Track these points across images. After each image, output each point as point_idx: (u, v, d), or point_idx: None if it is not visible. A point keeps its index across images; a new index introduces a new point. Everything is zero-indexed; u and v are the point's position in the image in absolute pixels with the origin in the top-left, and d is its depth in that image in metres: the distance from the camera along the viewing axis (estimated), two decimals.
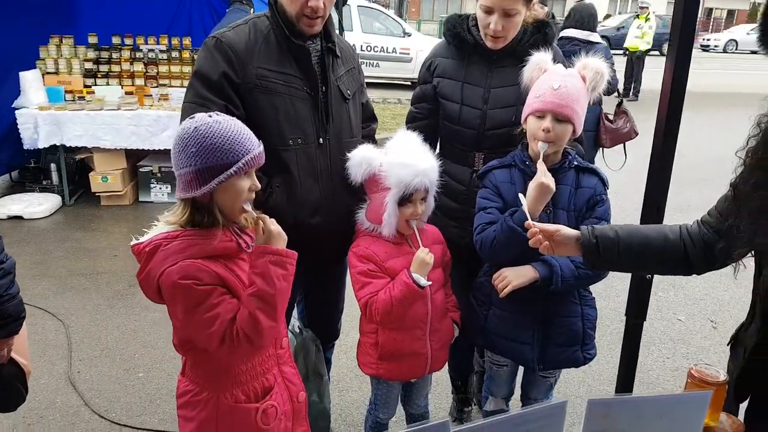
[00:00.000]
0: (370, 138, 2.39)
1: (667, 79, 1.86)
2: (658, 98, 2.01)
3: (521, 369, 2.30)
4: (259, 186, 1.59)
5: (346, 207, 2.13)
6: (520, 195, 1.82)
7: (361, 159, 2.00)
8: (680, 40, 1.80)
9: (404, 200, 1.98)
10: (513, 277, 1.96)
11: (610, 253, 1.56)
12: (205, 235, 1.52)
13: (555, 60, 2.10)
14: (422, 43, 12.65)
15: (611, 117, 4.76)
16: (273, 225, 1.56)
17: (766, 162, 1.26)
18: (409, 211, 2.00)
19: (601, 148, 4.78)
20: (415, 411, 2.38)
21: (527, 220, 1.69)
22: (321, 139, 2.08)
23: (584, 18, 4.75)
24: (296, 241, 1.77)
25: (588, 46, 4.49)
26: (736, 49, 29.15)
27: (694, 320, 4.01)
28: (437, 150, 2.41)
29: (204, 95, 1.94)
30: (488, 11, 2.09)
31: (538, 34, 2.19)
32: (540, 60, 2.01)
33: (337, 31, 2.17)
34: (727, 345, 1.55)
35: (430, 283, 1.97)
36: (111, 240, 4.91)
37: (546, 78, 1.98)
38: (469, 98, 2.22)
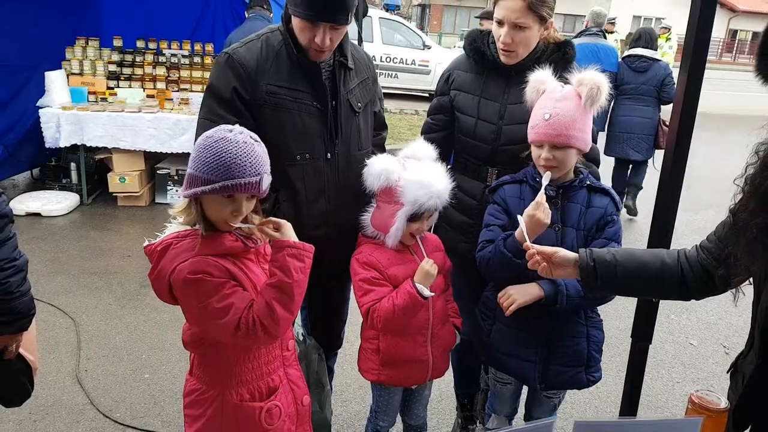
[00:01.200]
0: (379, 147, 2.40)
1: (678, 101, 1.85)
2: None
3: (526, 388, 2.28)
4: (245, 213, 1.57)
5: (352, 219, 2.14)
6: (519, 217, 1.82)
7: (380, 170, 2.00)
8: (692, 62, 1.79)
9: (414, 217, 2.01)
10: (518, 296, 1.96)
11: (607, 277, 1.56)
12: (212, 235, 1.55)
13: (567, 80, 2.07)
14: (441, 56, 12.73)
15: (668, 122, 5.62)
16: (279, 220, 1.59)
17: (763, 189, 1.25)
18: (416, 227, 2.04)
19: (656, 150, 5.86)
20: (414, 422, 2.38)
21: (525, 242, 1.69)
22: (329, 154, 2.10)
23: (652, 39, 5.95)
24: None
25: (654, 62, 5.81)
26: None
27: (706, 345, 3.95)
28: (452, 162, 2.43)
29: (217, 112, 1.98)
30: (499, 23, 2.11)
31: (558, 53, 2.19)
32: (537, 80, 2.00)
33: (355, 42, 2.18)
34: (727, 372, 1.53)
35: (433, 294, 1.99)
36: (125, 240, 4.98)
37: (538, 107, 1.97)
38: (484, 113, 2.22)
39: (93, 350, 3.41)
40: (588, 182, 2.03)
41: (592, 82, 1.90)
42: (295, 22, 1.97)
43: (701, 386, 3.38)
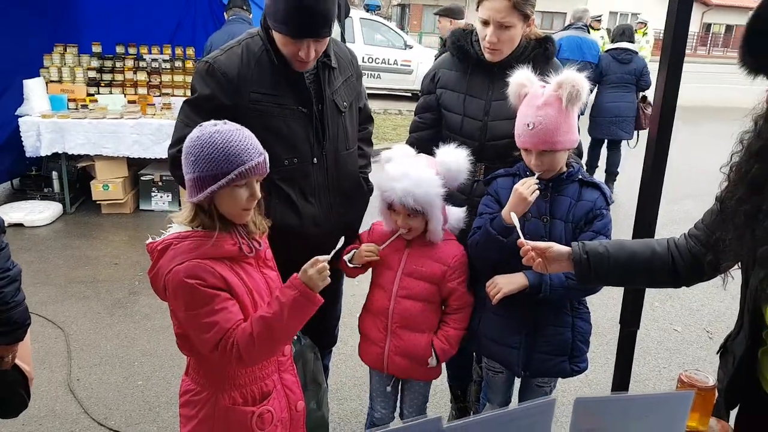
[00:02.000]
0: (365, 141, 2.44)
1: (658, 96, 1.90)
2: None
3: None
4: (259, 195, 1.61)
5: (343, 217, 2.18)
6: (512, 214, 1.87)
7: (386, 157, 2.14)
8: (671, 55, 1.84)
9: (390, 207, 2.11)
10: (504, 284, 2.02)
11: (600, 268, 1.60)
12: (212, 237, 1.56)
13: (548, 74, 2.11)
14: (423, 56, 12.73)
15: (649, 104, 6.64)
16: (316, 274, 1.57)
17: (749, 177, 1.29)
18: (394, 219, 2.12)
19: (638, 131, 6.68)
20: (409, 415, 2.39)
21: (517, 236, 1.74)
22: (316, 158, 2.11)
23: (632, 35, 6.98)
24: (294, 249, 1.82)
25: (635, 55, 6.74)
26: None
27: (690, 330, 4.04)
28: None
29: (194, 118, 1.96)
30: (485, 23, 2.14)
31: (539, 49, 2.23)
32: (518, 83, 2.01)
33: (333, 41, 2.20)
34: (717, 353, 1.58)
35: (352, 265, 2.17)
36: (111, 248, 4.94)
37: (521, 113, 1.99)
38: (470, 110, 2.26)
39: (84, 359, 3.39)
40: (580, 176, 2.06)
41: (571, 83, 1.92)
42: (278, 36, 1.96)
43: (685, 370, 3.47)
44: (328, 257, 1.61)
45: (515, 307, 2.05)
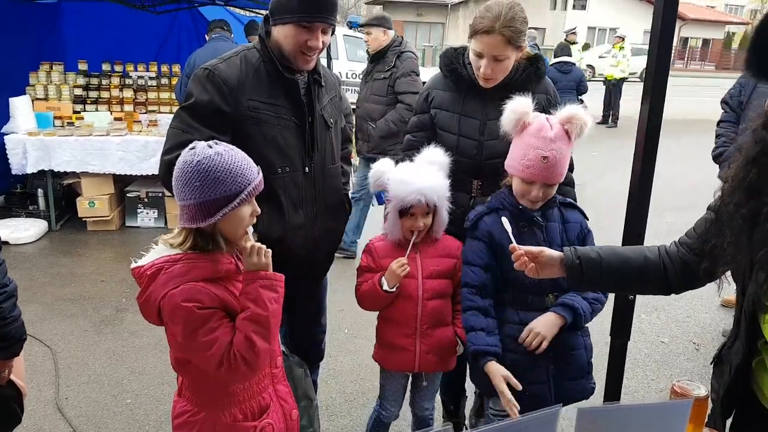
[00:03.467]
0: (345, 160, 2.52)
1: (644, 110, 1.95)
2: (636, 125, 2.09)
3: None
4: (259, 211, 1.64)
5: (328, 229, 2.25)
6: (503, 219, 1.88)
7: (377, 173, 2.21)
8: (656, 69, 1.90)
9: (404, 212, 2.15)
10: (545, 331, 1.98)
11: (592, 273, 1.61)
12: (207, 258, 1.56)
13: (540, 97, 2.18)
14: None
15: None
16: (256, 257, 1.60)
17: (746, 182, 1.33)
18: (409, 224, 2.17)
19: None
20: (420, 413, 2.47)
21: (512, 243, 1.73)
22: (307, 168, 2.17)
23: (569, 51, 9.19)
24: (280, 259, 1.83)
25: (573, 66, 8.90)
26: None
27: (677, 342, 4.09)
28: None
29: (190, 123, 1.99)
30: (479, 55, 2.16)
31: (531, 68, 2.27)
32: (520, 114, 1.98)
33: (324, 61, 2.26)
34: (710, 364, 1.60)
35: (393, 290, 2.16)
36: (98, 265, 4.90)
37: (533, 146, 1.95)
38: (465, 129, 2.30)
39: (72, 377, 3.35)
40: (558, 200, 2.10)
41: (581, 120, 1.95)
42: (286, 30, 2.01)
43: (676, 380, 3.51)
44: (251, 238, 1.63)
45: None
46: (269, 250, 1.63)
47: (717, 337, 4.09)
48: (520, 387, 1.90)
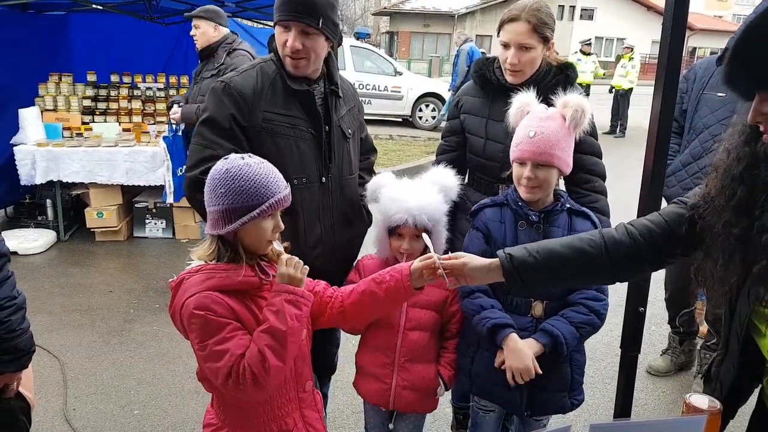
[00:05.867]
0: (367, 170, 2.50)
1: (654, 117, 1.93)
2: (645, 133, 2.07)
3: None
4: (282, 227, 1.63)
5: (344, 239, 2.23)
6: (424, 235, 1.88)
7: (373, 185, 2.15)
8: (666, 76, 1.88)
9: (392, 232, 2.08)
10: (518, 364, 1.92)
11: (532, 278, 1.56)
12: (227, 269, 1.56)
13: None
14: (413, 82, 13.05)
15: None
16: (293, 269, 1.59)
17: (735, 201, 1.29)
18: (397, 244, 2.08)
19: None
20: None
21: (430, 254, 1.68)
22: (324, 178, 2.16)
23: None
24: None
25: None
26: None
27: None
28: (466, 180, 2.55)
29: (212, 139, 2.02)
30: (505, 46, 2.26)
31: (561, 75, 2.30)
32: (521, 103, 2.06)
33: (339, 74, 2.27)
34: (700, 378, 1.57)
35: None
36: (106, 276, 4.91)
37: (523, 125, 2.01)
38: (492, 133, 2.35)
39: (80, 388, 3.35)
40: (569, 205, 2.06)
41: (577, 104, 1.97)
42: (276, 33, 2.06)
43: (688, 394, 3.47)
44: (280, 250, 1.63)
45: None
46: (306, 267, 1.62)
47: None
48: (538, 371, 1.92)
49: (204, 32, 4.36)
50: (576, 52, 13.82)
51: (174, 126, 4.87)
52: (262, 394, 1.54)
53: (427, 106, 13.02)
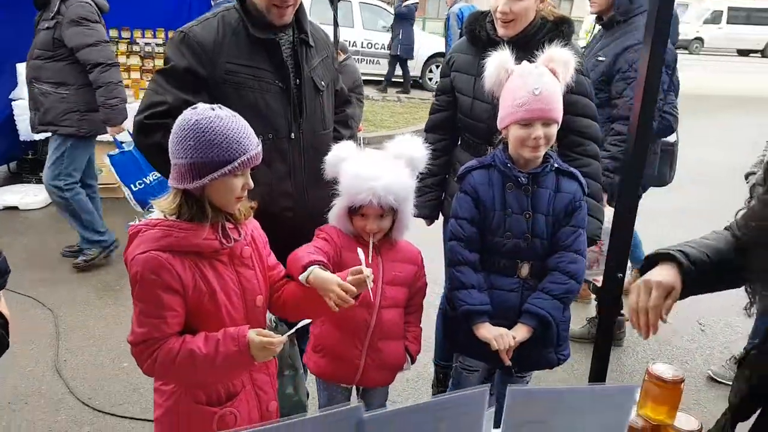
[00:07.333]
0: (341, 123, 2.40)
1: (640, 82, 1.85)
2: None
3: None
4: (252, 185, 1.58)
5: (319, 200, 2.10)
6: (359, 249, 1.75)
7: (333, 158, 1.96)
8: (654, 39, 1.80)
9: (355, 211, 1.92)
10: (495, 334, 1.94)
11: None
12: (187, 228, 1.50)
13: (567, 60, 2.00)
14: (423, 42, 12.54)
15: None
16: (263, 346, 1.50)
17: None
18: (361, 224, 1.93)
19: None
20: None
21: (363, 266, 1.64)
22: (293, 134, 2.08)
23: None
24: (271, 231, 1.80)
25: None
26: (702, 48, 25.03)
27: (681, 322, 4.00)
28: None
29: (164, 87, 1.95)
30: None
31: (556, 31, 2.21)
32: (502, 61, 1.96)
33: (331, 27, 2.18)
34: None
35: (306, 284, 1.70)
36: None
37: (522, 82, 1.90)
38: (480, 92, 2.22)
39: (72, 341, 3.41)
40: (557, 165, 2.01)
41: (562, 58, 1.92)
42: None
43: (676, 363, 3.45)
44: (284, 339, 1.53)
45: (500, 302, 2.00)
46: (272, 357, 1.59)
47: (724, 319, 4.01)
48: (510, 356, 1.93)
49: None
50: None
51: (118, 141, 4.30)
52: (148, 374, 1.56)
53: (437, 67, 12.46)
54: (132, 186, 4.22)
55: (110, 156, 4.23)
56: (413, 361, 2.12)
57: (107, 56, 3.95)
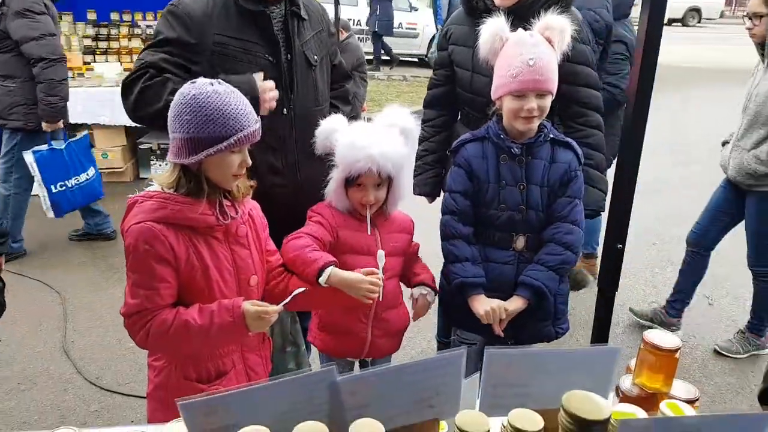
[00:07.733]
0: (341, 99, 2.36)
1: (637, 58, 1.82)
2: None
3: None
4: (250, 163, 1.56)
5: (312, 176, 2.08)
6: (380, 252, 1.86)
7: (325, 131, 1.94)
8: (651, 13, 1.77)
9: (351, 182, 1.91)
10: (487, 309, 1.94)
11: None
12: (183, 202, 1.50)
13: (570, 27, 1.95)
14: (429, 18, 12.31)
15: None
16: (258, 316, 1.52)
17: None
18: (359, 195, 1.91)
19: None
20: None
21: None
22: (285, 110, 2.05)
23: None
24: (266, 207, 1.79)
25: None
26: (698, 22, 24.34)
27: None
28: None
29: (153, 54, 1.93)
30: None
31: None
32: (497, 28, 1.91)
33: (331, 4, 2.14)
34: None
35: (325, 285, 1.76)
36: (112, 216, 4.96)
37: (516, 52, 1.86)
38: (479, 65, 2.15)
39: (79, 322, 3.45)
40: (552, 135, 1.98)
41: (559, 26, 1.87)
42: None
43: (684, 338, 3.43)
44: (279, 308, 1.55)
45: (496, 275, 1.99)
46: (266, 327, 1.58)
47: (732, 293, 3.98)
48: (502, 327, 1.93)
49: None
50: None
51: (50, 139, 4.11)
52: (141, 346, 1.57)
53: None
54: (52, 187, 4.08)
55: (36, 152, 3.98)
56: (434, 291, 2.10)
57: (51, 51, 3.81)
